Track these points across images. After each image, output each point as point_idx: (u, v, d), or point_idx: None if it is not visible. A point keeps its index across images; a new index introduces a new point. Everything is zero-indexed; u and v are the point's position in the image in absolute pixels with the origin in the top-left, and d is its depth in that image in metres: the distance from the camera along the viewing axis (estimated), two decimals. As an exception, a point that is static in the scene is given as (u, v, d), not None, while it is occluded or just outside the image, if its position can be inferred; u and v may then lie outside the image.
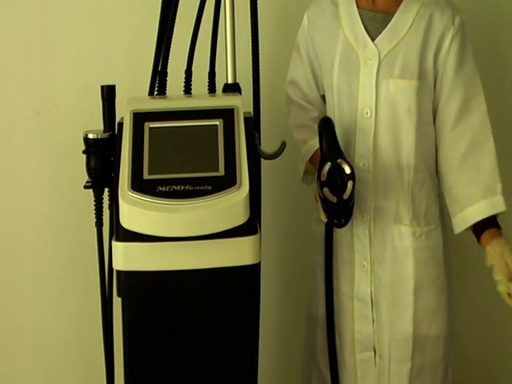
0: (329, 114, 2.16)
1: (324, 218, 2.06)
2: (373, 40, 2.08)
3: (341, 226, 2.04)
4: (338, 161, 1.94)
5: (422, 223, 2.12)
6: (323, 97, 2.21)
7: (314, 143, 2.11)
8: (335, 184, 1.94)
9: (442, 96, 2.08)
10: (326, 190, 1.94)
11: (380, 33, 2.08)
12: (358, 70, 2.08)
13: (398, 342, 2.12)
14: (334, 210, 1.99)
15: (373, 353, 2.15)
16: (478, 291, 2.79)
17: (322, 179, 1.94)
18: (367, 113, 2.08)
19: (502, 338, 2.85)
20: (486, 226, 2.07)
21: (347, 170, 1.93)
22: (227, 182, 1.79)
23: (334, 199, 1.94)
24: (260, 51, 2.16)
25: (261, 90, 2.19)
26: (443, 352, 2.16)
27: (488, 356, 2.85)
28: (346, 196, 1.93)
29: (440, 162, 2.12)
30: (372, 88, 2.07)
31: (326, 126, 1.99)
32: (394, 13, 2.08)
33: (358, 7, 2.11)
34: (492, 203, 2.07)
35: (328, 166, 1.94)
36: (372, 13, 2.10)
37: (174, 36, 2.20)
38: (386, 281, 2.12)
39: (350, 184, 1.93)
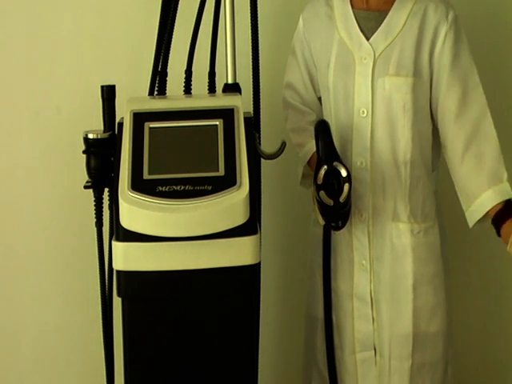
0: (325, 115, 2.16)
1: (321, 221, 2.06)
2: (367, 39, 2.08)
3: (338, 228, 2.05)
4: (334, 164, 1.95)
5: (419, 220, 2.12)
6: (320, 99, 2.21)
7: (312, 146, 2.11)
8: (332, 187, 1.95)
9: (440, 92, 2.08)
10: (322, 193, 1.95)
11: (374, 32, 2.08)
12: (353, 70, 2.08)
13: (398, 340, 2.12)
14: (330, 213, 2.00)
15: (373, 352, 2.15)
16: (476, 288, 2.79)
17: (319, 182, 1.95)
18: (363, 112, 2.08)
19: (501, 336, 2.85)
20: (504, 217, 2.02)
21: (343, 173, 1.94)
22: (227, 181, 1.79)
23: (330, 202, 1.95)
24: (260, 51, 2.16)
25: (261, 90, 2.19)
26: (443, 349, 2.16)
27: (487, 354, 2.85)
28: (342, 199, 1.94)
29: (446, 158, 2.12)
30: (368, 87, 2.07)
31: (321, 129, 1.99)
32: (387, 11, 2.08)
33: (352, 7, 2.12)
34: (499, 190, 2.04)
35: (324, 169, 1.95)
36: (366, 12, 2.10)
37: (173, 36, 2.21)
38: (385, 279, 2.12)
39: (346, 187, 1.94)
